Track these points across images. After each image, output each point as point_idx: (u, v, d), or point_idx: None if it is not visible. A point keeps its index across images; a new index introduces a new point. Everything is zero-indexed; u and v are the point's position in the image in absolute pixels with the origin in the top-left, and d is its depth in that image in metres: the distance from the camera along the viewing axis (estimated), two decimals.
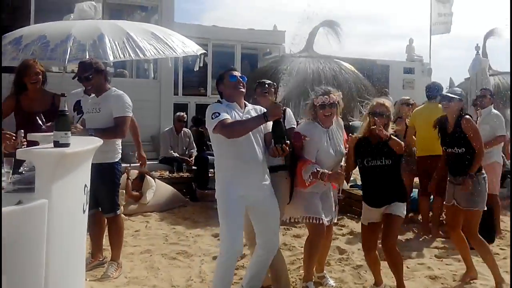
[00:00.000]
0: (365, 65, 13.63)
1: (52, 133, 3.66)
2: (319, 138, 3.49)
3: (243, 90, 3.27)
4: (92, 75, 3.96)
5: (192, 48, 6.56)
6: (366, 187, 3.70)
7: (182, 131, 8.39)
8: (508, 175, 6.97)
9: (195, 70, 8.04)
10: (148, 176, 6.57)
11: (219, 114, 3.08)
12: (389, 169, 3.54)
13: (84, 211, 3.21)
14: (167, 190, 6.70)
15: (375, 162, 3.53)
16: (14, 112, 4.15)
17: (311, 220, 3.51)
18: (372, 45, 40.97)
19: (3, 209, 2.24)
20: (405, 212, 3.66)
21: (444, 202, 4.21)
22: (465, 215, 3.90)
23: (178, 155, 8.05)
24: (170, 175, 7.52)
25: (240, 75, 3.30)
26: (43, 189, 2.46)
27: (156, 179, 6.77)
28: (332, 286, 3.86)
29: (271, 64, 8.66)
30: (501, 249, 4.94)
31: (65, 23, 6.06)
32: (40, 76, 4.17)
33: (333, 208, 3.73)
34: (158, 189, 6.52)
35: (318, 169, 3.34)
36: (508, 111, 7.45)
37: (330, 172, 3.37)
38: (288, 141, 3.10)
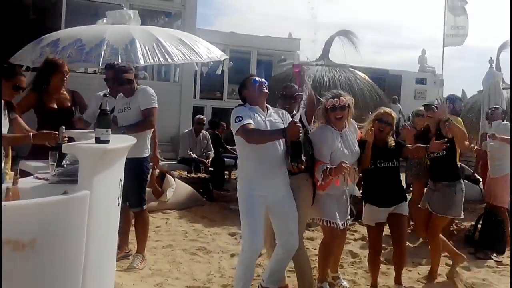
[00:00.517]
0: (377, 74, 13.68)
1: (87, 130, 3.86)
2: (332, 140, 3.53)
3: (266, 91, 3.38)
4: (133, 79, 4.15)
5: (216, 54, 6.73)
6: (378, 188, 3.77)
7: (201, 133, 8.56)
8: None
9: (217, 73, 8.23)
10: (168, 175, 6.73)
11: (242, 118, 3.21)
12: (397, 170, 3.83)
13: (118, 204, 3.37)
14: (186, 189, 6.85)
15: (388, 163, 3.72)
16: (35, 109, 4.27)
17: (326, 223, 3.58)
18: (383, 55, 40.94)
19: (51, 197, 2.40)
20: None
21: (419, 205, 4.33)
22: (434, 218, 4.12)
23: (196, 156, 8.21)
24: (188, 175, 7.65)
25: (261, 79, 3.41)
26: (85, 181, 2.60)
27: (176, 179, 6.93)
28: (346, 287, 3.92)
29: (288, 71, 8.76)
30: None
31: (98, 27, 6.29)
32: (68, 76, 4.34)
33: (348, 211, 3.76)
34: (177, 188, 6.66)
35: (327, 166, 3.39)
36: None
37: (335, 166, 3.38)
38: (304, 159, 3.17)
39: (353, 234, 5.58)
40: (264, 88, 3.38)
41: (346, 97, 3.60)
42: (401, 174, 3.99)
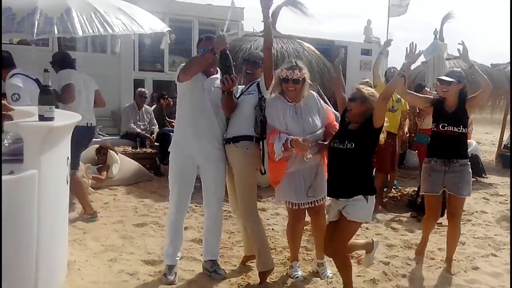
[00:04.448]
0: (323, 45, 13.97)
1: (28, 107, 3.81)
2: (282, 111, 3.51)
3: (211, 61, 3.55)
4: None
5: (159, 25, 6.68)
6: (329, 173, 3.43)
7: (143, 108, 8.54)
8: None
9: (162, 48, 8.14)
10: (111, 151, 6.73)
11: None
12: (352, 155, 3.22)
13: (67, 182, 3.43)
14: (131, 164, 6.90)
15: (338, 144, 3.29)
16: None
17: (287, 204, 3.67)
18: (327, 24, 41.71)
19: None
20: (368, 216, 3.34)
21: (425, 192, 4.11)
22: (456, 201, 3.94)
23: (140, 131, 8.21)
24: (134, 150, 7.69)
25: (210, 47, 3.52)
26: (32, 160, 2.67)
27: (120, 154, 6.94)
28: (328, 276, 3.75)
29: (235, 42, 8.83)
30: None
31: None
32: None
33: (321, 188, 3.57)
34: (122, 163, 6.70)
35: (287, 137, 3.34)
36: None
37: (298, 138, 3.30)
38: (234, 75, 3.43)
39: None
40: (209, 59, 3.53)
41: (302, 70, 3.51)
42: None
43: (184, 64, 3.53)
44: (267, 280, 3.62)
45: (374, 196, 3.32)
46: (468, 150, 8.19)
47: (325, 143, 3.54)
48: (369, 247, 3.65)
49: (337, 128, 3.57)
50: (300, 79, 3.51)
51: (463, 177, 3.90)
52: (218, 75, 3.62)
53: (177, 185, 3.62)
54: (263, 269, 3.61)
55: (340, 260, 3.38)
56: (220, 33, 3.47)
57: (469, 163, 3.98)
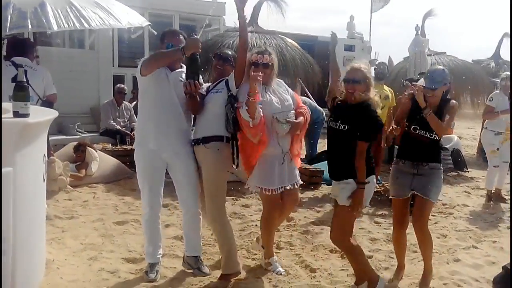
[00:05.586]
0: (306, 41, 14.04)
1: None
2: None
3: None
4: None
5: (137, 20, 6.62)
6: (326, 152, 3.59)
7: (123, 104, 8.47)
8: None
9: (132, 37, 8.07)
10: (89, 148, 6.66)
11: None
12: (346, 137, 3.22)
13: (44, 180, 3.39)
14: (111, 162, 6.83)
15: (333, 123, 3.32)
16: None
17: (261, 191, 3.61)
18: (311, 20, 41.84)
19: None
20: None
21: (392, 196, 3.76)
22: (424, 205, 3.59)
23: (120, 128, 8.15)
24: (114, 147, 7.62)
25: (177, 44, 3.45)
26: (6, 158, 2.63)
27: (99, 151, 6.88)
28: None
29: (216, 37, 8.85)
30: None
31: None
32: None
33: (294, 174, 3.68)
34: (102, 161, 6.63)
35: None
36: None
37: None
38: (201, 80, 3.35)
39: None
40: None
41: (271, 55, 3.58)
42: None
43: (146, 57, 3.44)
44: (252, 277, 3.61)
45: (371, 178, 3.29)
46: (450, 144, 8.43)
47: (297, 121, 3.58)
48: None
49: (305, 109, 3.70)
50: (270, 63, 3.56)
51: (433, 181, 3.58)
52: (184, 69, 3.56)
53: (147, 182, 3.56)
54: (229, 271, 3.53)
55: (344, 248, 3.44)
56: (195, 35, 3.36)
57: (441, 168, 3.65)
